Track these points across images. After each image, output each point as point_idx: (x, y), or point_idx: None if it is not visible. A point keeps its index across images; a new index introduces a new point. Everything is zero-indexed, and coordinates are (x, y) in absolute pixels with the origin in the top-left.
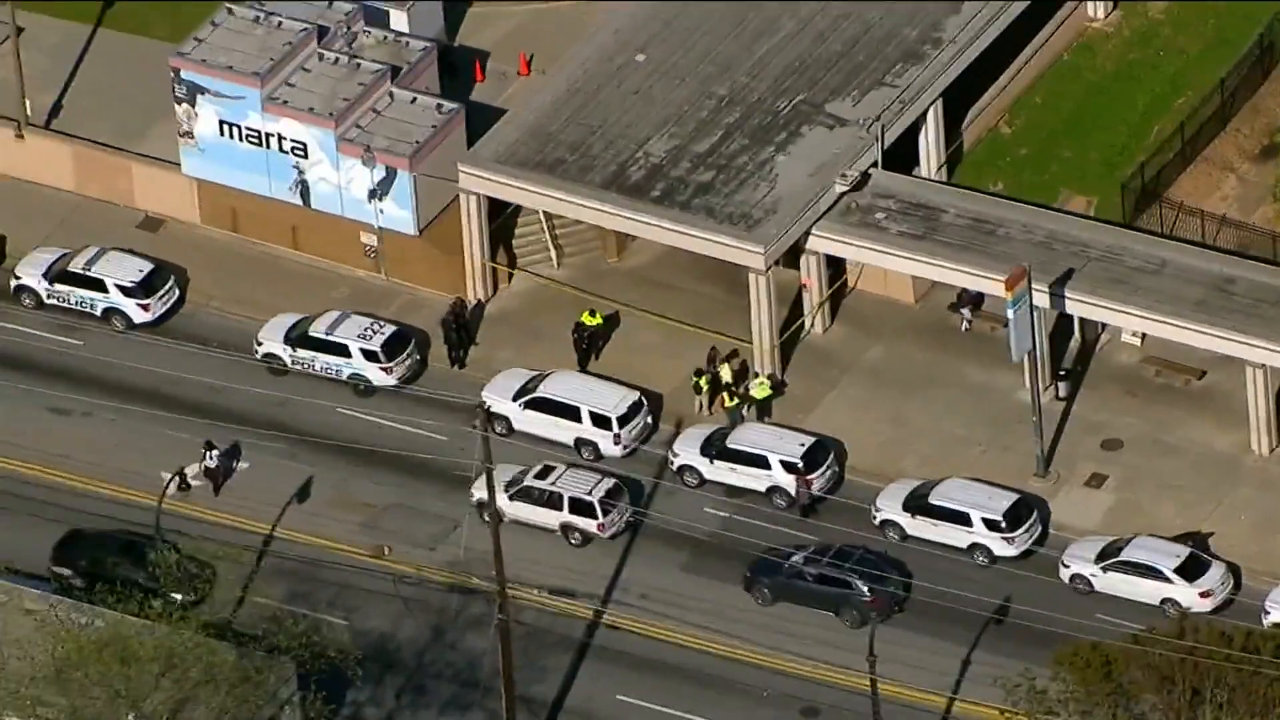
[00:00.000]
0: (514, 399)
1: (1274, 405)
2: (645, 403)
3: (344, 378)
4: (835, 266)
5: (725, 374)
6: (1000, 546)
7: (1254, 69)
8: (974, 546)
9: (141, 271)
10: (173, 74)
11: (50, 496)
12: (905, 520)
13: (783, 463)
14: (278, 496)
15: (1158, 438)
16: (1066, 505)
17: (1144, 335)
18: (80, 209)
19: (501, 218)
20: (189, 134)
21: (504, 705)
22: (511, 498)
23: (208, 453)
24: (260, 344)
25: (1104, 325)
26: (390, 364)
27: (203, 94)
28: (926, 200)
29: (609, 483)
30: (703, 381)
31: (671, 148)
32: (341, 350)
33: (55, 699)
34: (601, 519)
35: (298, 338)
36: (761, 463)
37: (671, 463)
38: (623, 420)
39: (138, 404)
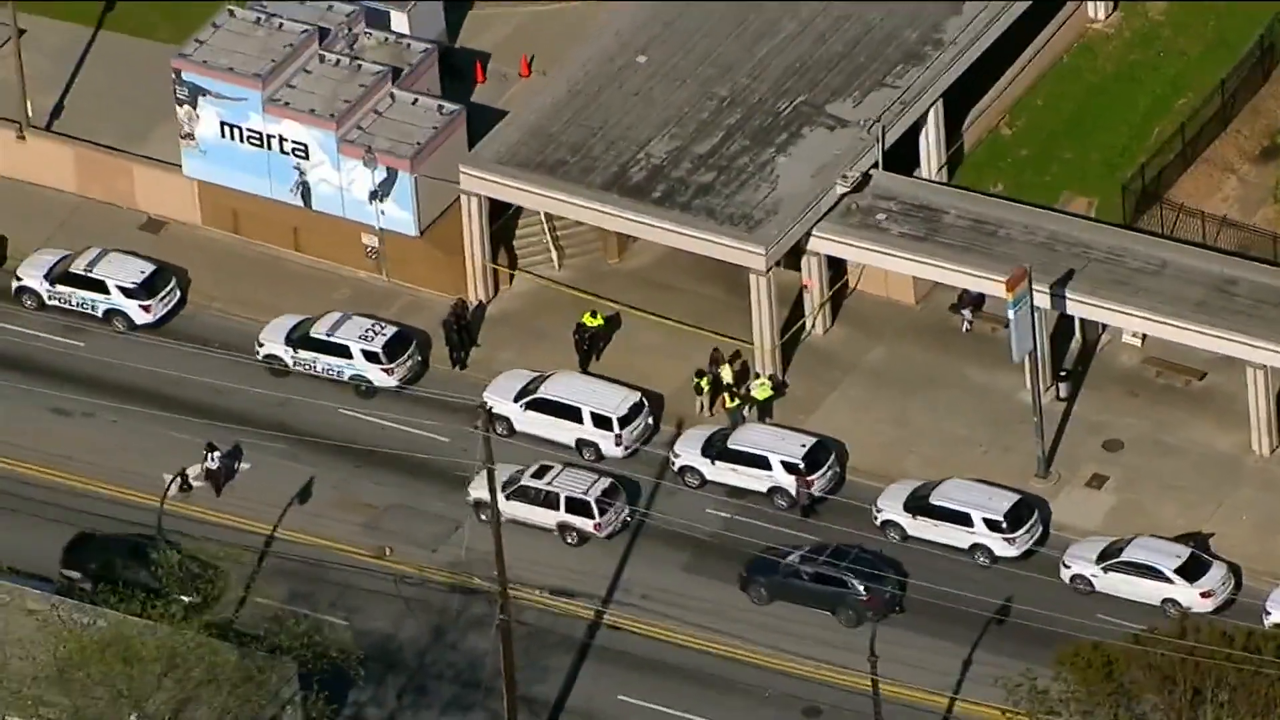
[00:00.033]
0: (515, 400)
1: (1275, 406)
2: (646, 404)
3: (345, 379)
4: (836, 267)
5: (726, 375)
6: (1001, 547)
7: (1254, 70)
8: (975, 547)
9: (143, 273)
10: (174, 76)
11: (51, 497)
12: (906, 521)
13: (784, 463)
14: (279, 497)
15: (1159, 438)
16: (1067, 506)
17: (1145, 336)
18: (82, 210)
19: (503, 219)
20: (190, 135)
21: (505, 705)
22: (508, 497)
23: (209, 454)
24: (262, 345)
25: (1105, 326)
26: (392, 365)
27: (204, 95)
28: (927, 201)
29: (605, 482)
30: (704, 382)
31: (672, 149)
32: (343, 351)
33: (57, 699)
34: (598, 518)
35: (299, 339)
36: (763, 463)
37: (673, 463)
38: (624, 421)
39: (139, 405)
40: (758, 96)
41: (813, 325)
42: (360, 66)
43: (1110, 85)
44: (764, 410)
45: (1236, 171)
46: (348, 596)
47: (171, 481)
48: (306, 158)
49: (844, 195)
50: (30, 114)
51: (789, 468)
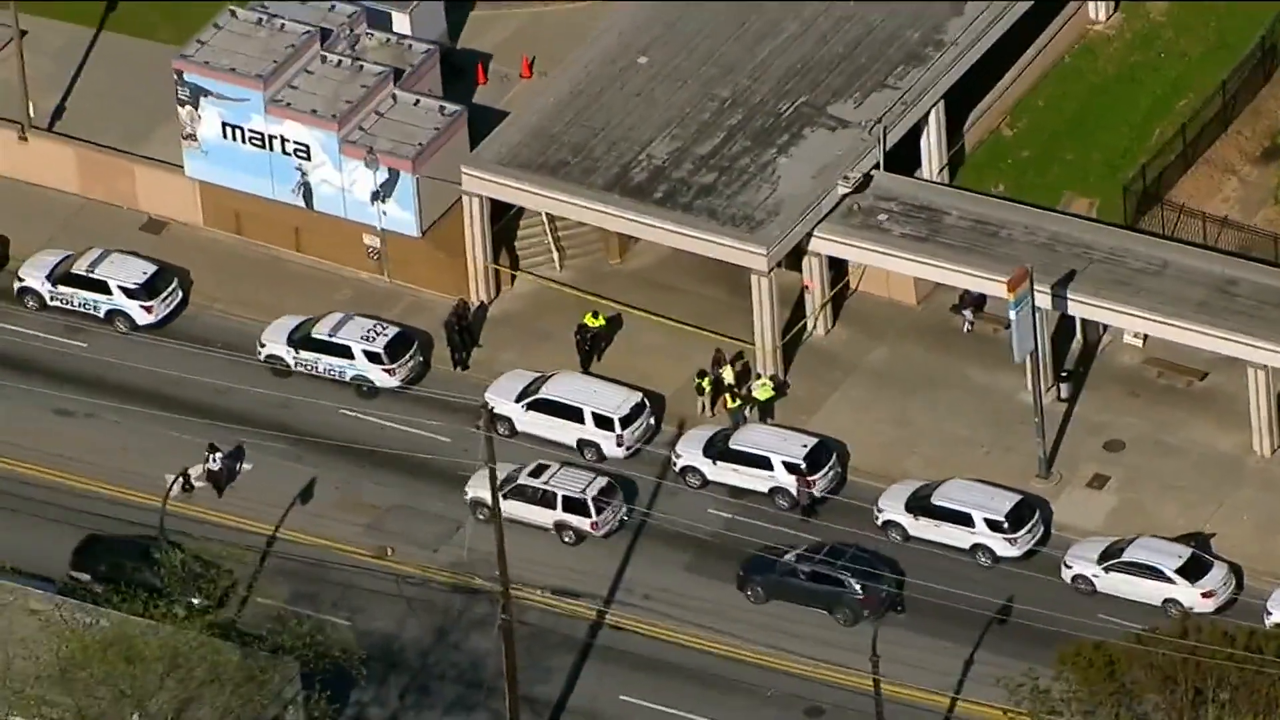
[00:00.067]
0: (517, 400)
1: (1276, 406)
2: (648, 404)
3: (347, 379)
4: (837, 268)
5: (728, 375)
6: (1003, 547)
7: (1255, 71)
8: (976, 547)
9: (145, 273)
10: (176, 76)
11: (53, 498)
12: (908, 521)
13: (785, 464)
14: (281, 498)
15: (1160, 439)
16: (1069, 506)
17: (1146, 336)
18: (84, 211)
19: (504, 220)
20: (192, 136)
21: (507, 705)
22: (505, 496)
23: (211, 455)
24: (263, 346)
25: (1106, 326)
26: (393, 365)
27: (206, 96)
28: (929, 202)
29: (602, 481)
30: (705, 383)
31: (674, 150)
32: (345, 352)
33: (60, 699)
34: (595, 517)
35: (301, 339)
36: (764, 464)
37: (674, 464)
38: (625, 421)
39: (141, 406)
40: (759, 97)
41: (814, 326)
42: (362, 67)
43: (1111, 86)
44: (765, 411)
45: (1237, 172)
46: (350, 597)
47: (174, 482)
48: (308, 158)
49: (845, 196)
50: (32, 115)
51: (790, 468)
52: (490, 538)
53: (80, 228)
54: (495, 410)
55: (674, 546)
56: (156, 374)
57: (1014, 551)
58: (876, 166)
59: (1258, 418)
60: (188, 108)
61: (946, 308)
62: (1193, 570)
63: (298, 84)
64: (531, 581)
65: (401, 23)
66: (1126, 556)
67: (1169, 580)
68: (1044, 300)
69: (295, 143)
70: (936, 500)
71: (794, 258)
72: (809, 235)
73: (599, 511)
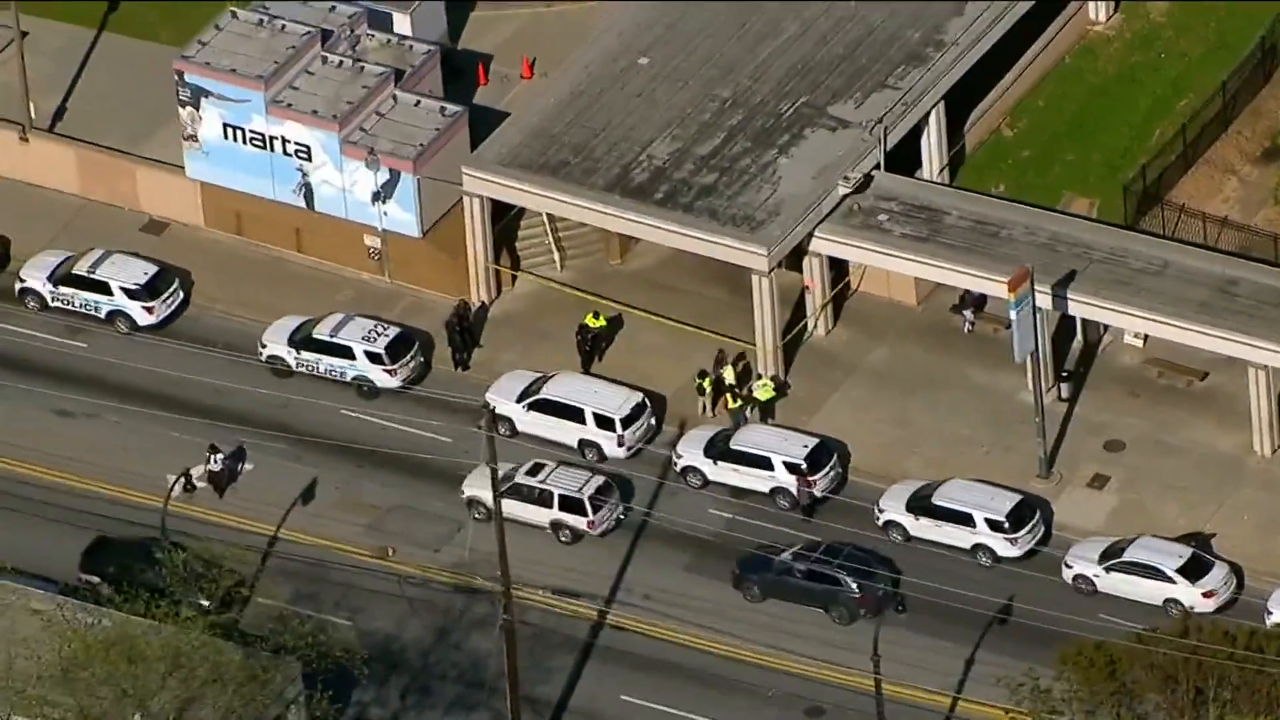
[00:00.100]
0: (518, 401)
1: (1276, 406)
2: (649, 404)
3: (348, 380)
4: (838, 268)
5: (728, 376)
6: (1003, 547)
7: (1255, 72)
8: (977, 547)
9: (146, 274)
10: (176, 77)
11: (54, 498)
12: (908, 521)
13: (786, 464)
14: (282, 498)
15: (1160, 439)
16: (1069, 506)
17: (1146, 336)
18: (85, 212)
19: (505, 220)
20: (193, 137)
21: (509, 705)
22: (502, 495)
23: (212, 456)
24: (264, 346)
25: (1106, 326)
26: (394, 366)
27: (207, 97)
28: (929, 202)
29: (599, 480)
30: (706, 383)
31: (674, 150)
32: (346, 352)
33: (62, 698)
34: (591, 516)
35: (302, 340)
36: (765, 464)
37: (675, 464)
38: (626, 422)
39: (142, 406)
40: (760, 98)
41: (814, 326)
42: (363, 68)
43: (1111, 86)
44: (766, 411)
45: (1237, 173)
46: (351, 597)
47: (175, 482)
48: (309, 159)
49: (846, 196)
50: (33, 116)
51: (791, 468)
52: (491, 538)
53: (81, 229)
54: (496, 410)
55: (674, 547)
56: (157, 374)
57: (1015, 551)
58: (877, 167)
59: (1258, 418)
60: (189, 109)
61: (947, 308)
62: (1193, 570)
63: (299, 85)
64: (532, 582)
65: (402, 23)
66: (1127, 556)
67: (1170, 580)
68: (1044, 300)
69: (296, 143)
70: (937, 500)
71: (794, 258)
72: (809, 235)
73: (595, 510)
